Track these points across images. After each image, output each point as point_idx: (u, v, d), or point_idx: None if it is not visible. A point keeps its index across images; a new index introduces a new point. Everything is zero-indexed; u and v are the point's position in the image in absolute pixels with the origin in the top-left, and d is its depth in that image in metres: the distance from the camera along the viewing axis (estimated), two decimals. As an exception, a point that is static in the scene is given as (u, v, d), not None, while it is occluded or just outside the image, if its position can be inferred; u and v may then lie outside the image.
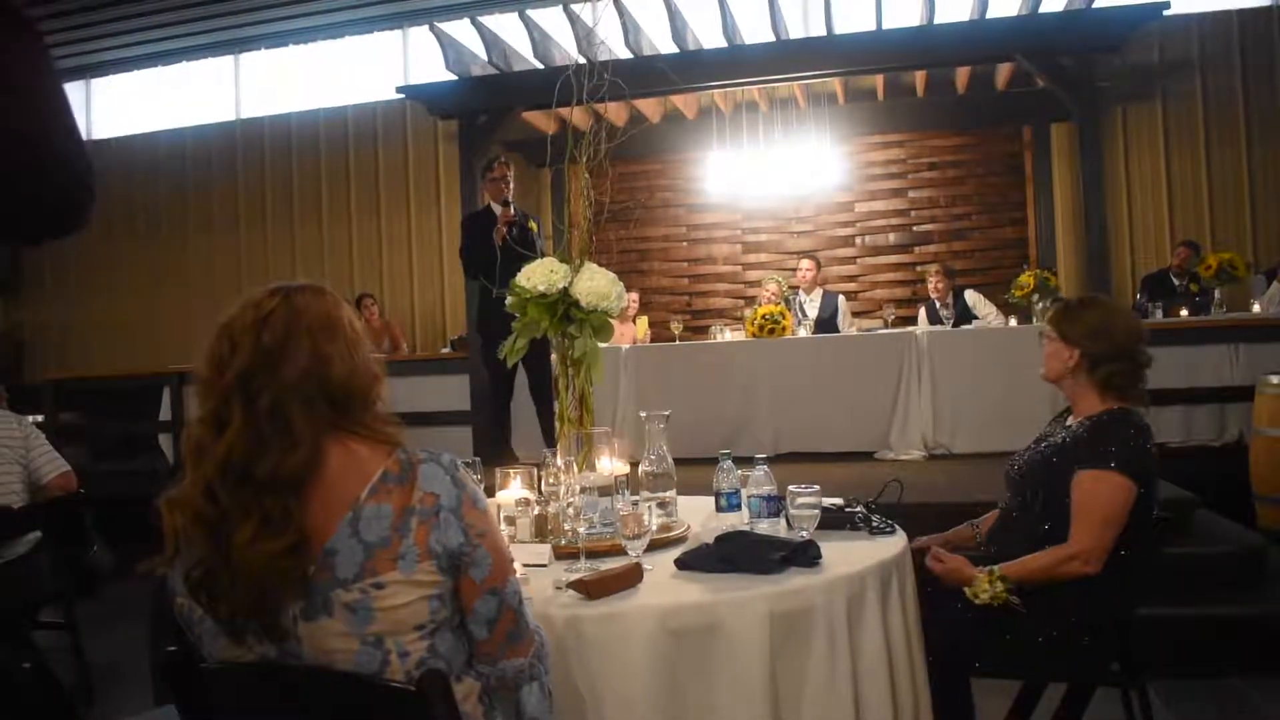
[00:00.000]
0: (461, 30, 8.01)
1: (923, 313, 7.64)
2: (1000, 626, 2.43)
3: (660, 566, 2.08)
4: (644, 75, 6.75)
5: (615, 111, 8.32)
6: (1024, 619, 2.42)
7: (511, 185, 5.87)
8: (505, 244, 5.35)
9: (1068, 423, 2.67)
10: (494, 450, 5.64)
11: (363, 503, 1.42)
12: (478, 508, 1.50)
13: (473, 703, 1.51)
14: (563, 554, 2.17)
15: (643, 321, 8.22)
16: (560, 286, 2.49)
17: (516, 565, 1.70)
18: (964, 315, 7.32)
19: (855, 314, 8.39)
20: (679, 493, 2.47)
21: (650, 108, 8.83)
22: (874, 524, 2.35)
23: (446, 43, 7.66)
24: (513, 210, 5.78)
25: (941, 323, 7.24)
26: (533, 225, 5.74)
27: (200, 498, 1.40)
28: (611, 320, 2.55)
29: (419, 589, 1.43)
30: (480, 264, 5.54)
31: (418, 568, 1.42)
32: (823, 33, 7.50)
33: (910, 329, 6.88)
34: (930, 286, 7.65)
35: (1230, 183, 8.42)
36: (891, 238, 9.37)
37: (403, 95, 8.42)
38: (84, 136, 0.93)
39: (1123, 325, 2.59)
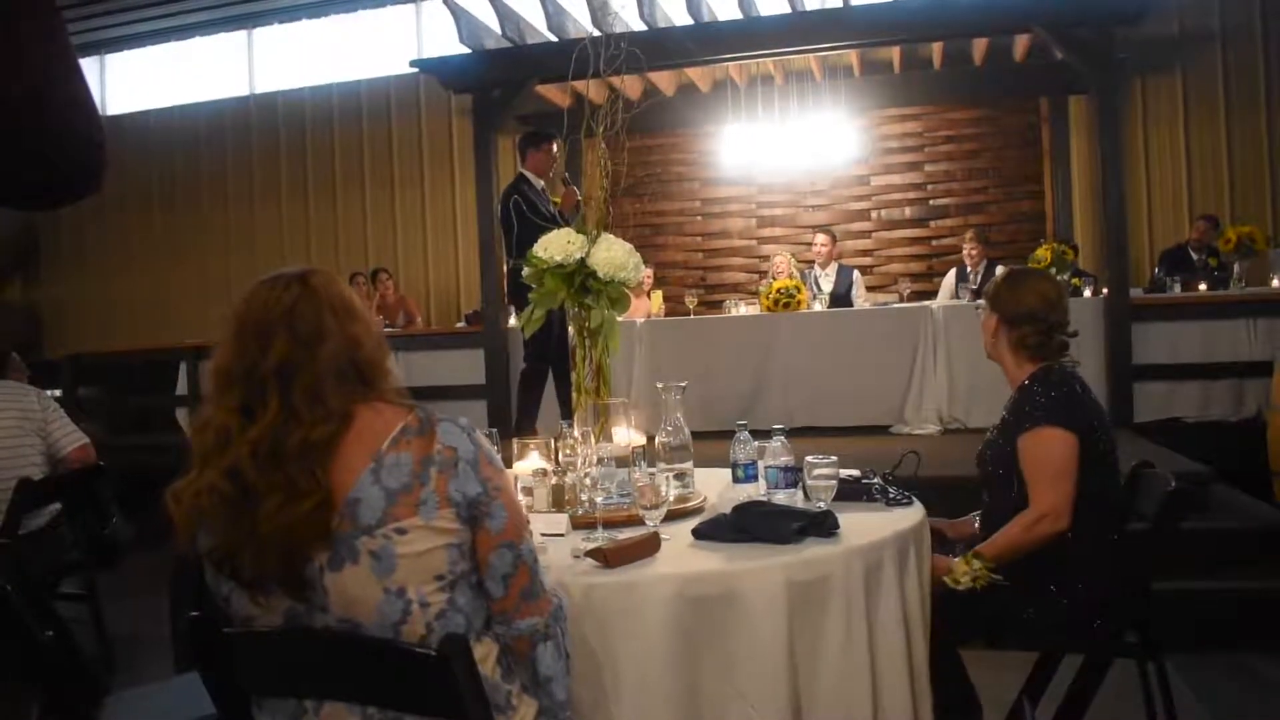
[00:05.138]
0: (475, 3, 7.96)
1: (951, 275, 7.63)
2: (1003, 601, 2.42)
3: (678, 536, 2.08)
4: (659, 47, 6.67)
5: (630, 85, 8.26)
6: (1027, 593, 2.43)
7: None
8: (561, 216, 5.38)
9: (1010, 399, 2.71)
10: (516, 431, 5.62)
11: (384, 452, 1.47)
12: (493, 464, 1.55)
13: (491, 665, 1.54)
14: (580, 524, 2.17)
15: (656, 296, 8.21)
16: (577, 257, 2.49)
17: (535, 535, 1.71)
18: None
19: (870, 288, 8.35)
20: (694, 465, 2.48)
21: (664, 81, 8.76)
22: (891, 495, 2.35)
23: (460, 15, 7.61)
24: (577, 191, 5.74)
25: (968, 283, 7.21)
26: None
27: (223, 479, 1.43)
28: (628, 291, 2.55)
29: (439, 536, 1.47)
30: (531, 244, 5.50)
31: (438, 514, 1.47)
32: (839, 4, 7.42)
33: (926, 303, 6.85)
34: (965, 252, 7.63)
35: (1250, 156, 8.30)
36: (907, 211, 9.31)
37: (416, 69, 8.37)
38: (96, 103, 0.92)
39: (1033, 288, 2.65)
